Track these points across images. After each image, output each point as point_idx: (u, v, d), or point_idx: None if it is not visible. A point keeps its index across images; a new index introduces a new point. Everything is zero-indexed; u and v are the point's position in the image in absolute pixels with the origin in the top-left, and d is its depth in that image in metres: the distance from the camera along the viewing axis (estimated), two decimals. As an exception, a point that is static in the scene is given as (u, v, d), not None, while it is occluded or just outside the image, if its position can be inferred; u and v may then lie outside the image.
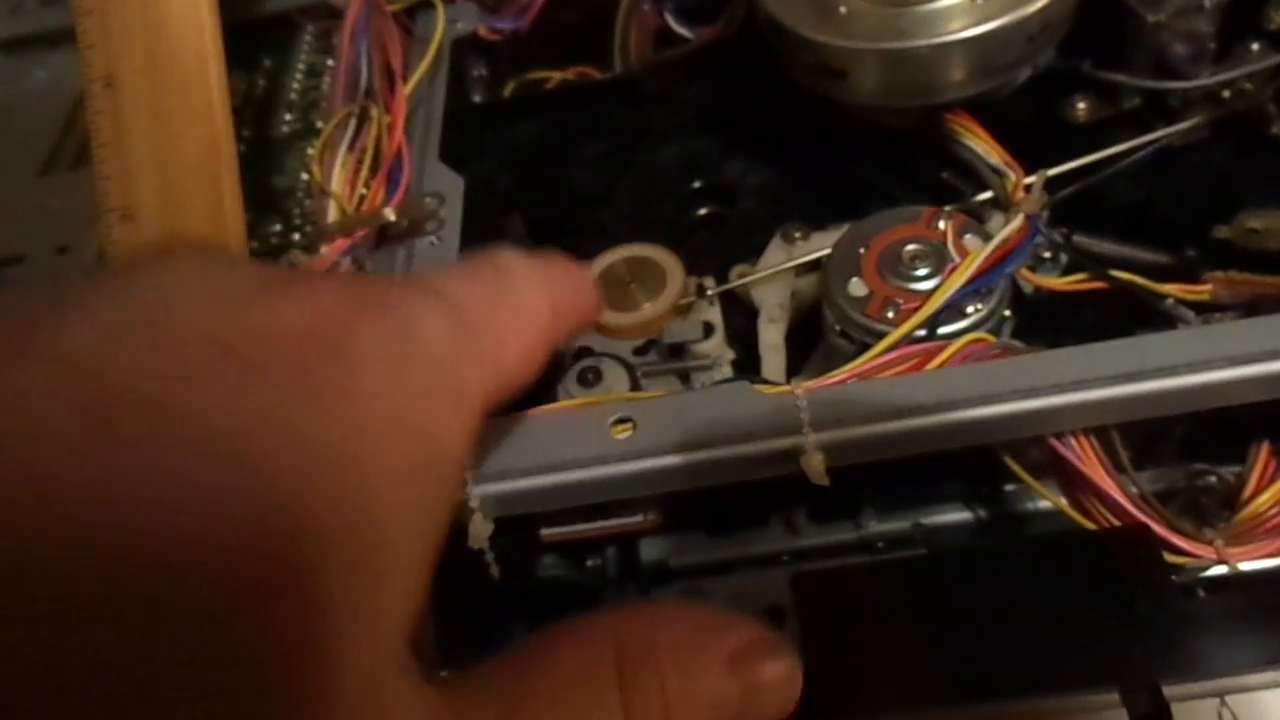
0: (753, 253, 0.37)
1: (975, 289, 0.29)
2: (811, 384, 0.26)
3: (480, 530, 0.26)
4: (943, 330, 0.28)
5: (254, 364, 0.17)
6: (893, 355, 0.27)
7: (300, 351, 0.18)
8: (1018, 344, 0.28)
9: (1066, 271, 0.33)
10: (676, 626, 0.22)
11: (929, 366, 0.26)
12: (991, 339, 0.28)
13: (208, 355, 0.17)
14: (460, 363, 0.21)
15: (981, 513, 0.32)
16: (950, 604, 0.25)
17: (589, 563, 0.33)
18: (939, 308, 0.28)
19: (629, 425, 0.27)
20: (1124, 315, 0.32)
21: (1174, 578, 0.25)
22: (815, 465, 0.25)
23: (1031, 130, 0.37)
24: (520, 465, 0.26)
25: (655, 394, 0.28)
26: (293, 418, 0.17)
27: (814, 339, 0.35)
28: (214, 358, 0.17)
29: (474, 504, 0.26)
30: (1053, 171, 0.31)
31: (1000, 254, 0.29)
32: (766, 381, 0.28)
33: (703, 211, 0.40)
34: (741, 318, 0.36)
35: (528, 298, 0.23)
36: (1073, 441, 0.26)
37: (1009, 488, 0.32)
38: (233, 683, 0.15)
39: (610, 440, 0.26)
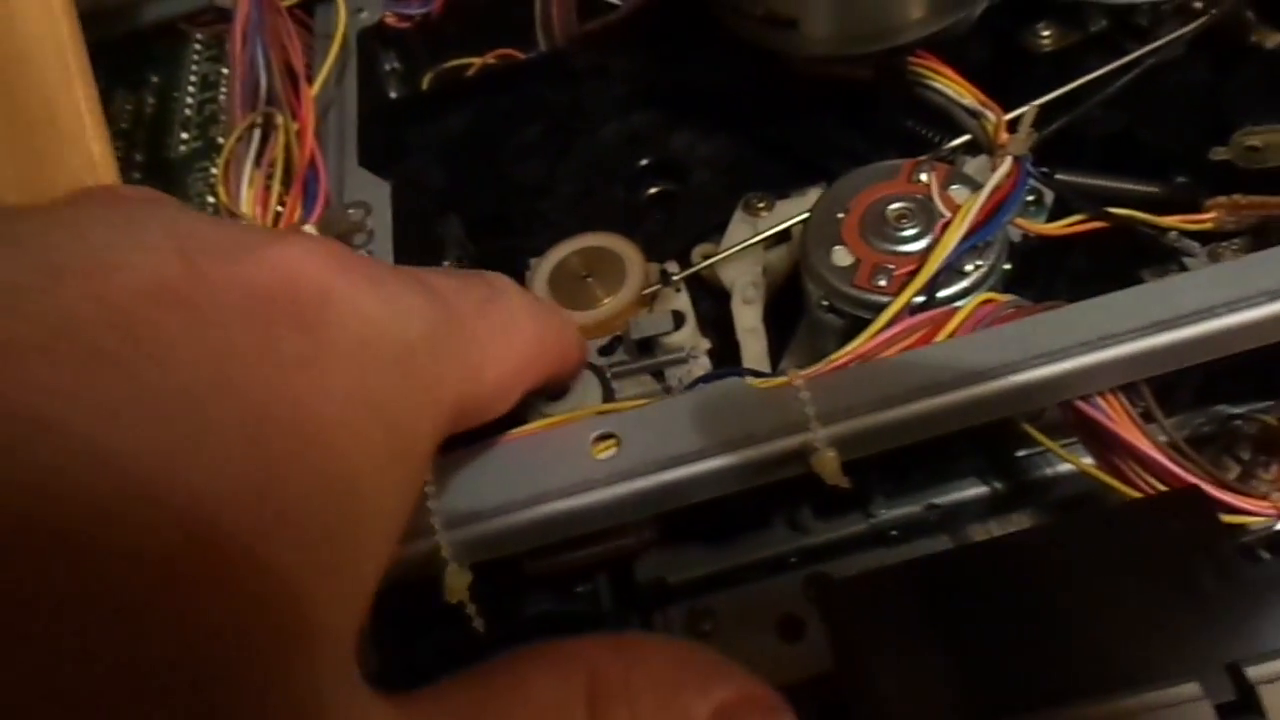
0: (714, 230, 0.34)
1: (973, 244, 0.26)
2: (810, 371, 0.24)
3: (457, 582, 0.23)
4: (943, 294, 0.26)
5: (205, 317, 0.15)
6: (897, 328, 0.24)
7: (264, 309, 0.16)
8: (1026, 302, 0.25)
9: (1053, 214, 0.31)
10: (656, 661, 0.20)
11: (939, 337, 0.24)
12: (1002, 298, 0.25)
13: (151, 305, 0.15)
14: (438, 356, 0.19)
15: (997, 485, 0.29)
16: (996, 600, 0.22)
17: (579, 589, 0.30)
18: (939, 268, 0.25)
19: (612, 442, 0.24)
20: (1120, 255, 0.30)
21: (1233, 542, 0.23)
22: (829, 463, 0.22)
23: (995, 66, 0.34)
24: (494, 503, 0.23)
25: (636, 402, 0.24)
26: (238, 378, 0.15)
27: (793, 316, 0.32)
28: (158, 307, 0.15)
29: (446, 553, 0.23)
30: (1037, 102, 0.29)
31: (993, 203, 0.26)
32: (757, 373, 0.25)
33: (653, 190, 0.38)
34: (711, 302, 0.33)
35: (518, 317, 0.22)
36: (1101, 401, 0.24)
37: (1022, 454, 0.29)
38: (144, 692, 0.13)
39: (593, 462, 0.23)
